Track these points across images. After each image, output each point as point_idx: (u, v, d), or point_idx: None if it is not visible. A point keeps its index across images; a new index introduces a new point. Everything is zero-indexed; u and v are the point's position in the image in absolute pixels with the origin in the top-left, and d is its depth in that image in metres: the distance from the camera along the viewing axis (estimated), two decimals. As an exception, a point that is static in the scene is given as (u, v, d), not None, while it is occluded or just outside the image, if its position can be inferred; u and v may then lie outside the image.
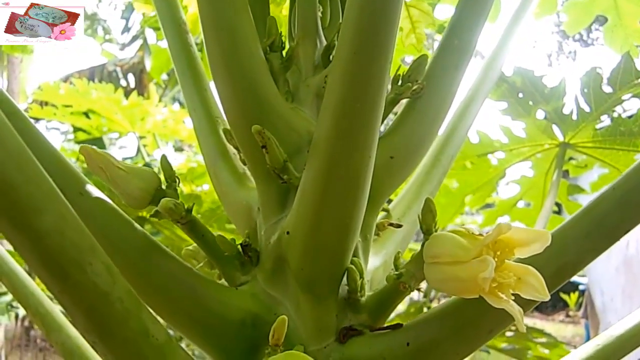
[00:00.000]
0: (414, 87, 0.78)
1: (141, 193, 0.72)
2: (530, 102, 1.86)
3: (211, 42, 0.73)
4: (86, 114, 3.55)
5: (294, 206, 0.67)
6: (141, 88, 6.76)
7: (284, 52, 0.78)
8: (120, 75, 7.30)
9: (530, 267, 0.56)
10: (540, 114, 1.85)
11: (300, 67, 0.81)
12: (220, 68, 0.72)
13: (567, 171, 2.09)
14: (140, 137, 3.65)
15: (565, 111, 1.77)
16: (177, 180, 0.75)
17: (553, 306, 14.16)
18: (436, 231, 0.61)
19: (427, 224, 0.62)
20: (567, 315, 13.66)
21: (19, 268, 1.06)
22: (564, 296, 12.71)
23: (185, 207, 0.71)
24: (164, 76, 4.97)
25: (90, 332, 0.48)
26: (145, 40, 5.83)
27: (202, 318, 0.69)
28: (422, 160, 0.84)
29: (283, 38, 0.78)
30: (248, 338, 0.68)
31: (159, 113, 3.53)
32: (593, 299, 6.91)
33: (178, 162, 3.65)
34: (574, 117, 1.74)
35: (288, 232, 0.68)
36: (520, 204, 2.18)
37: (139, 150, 3.59)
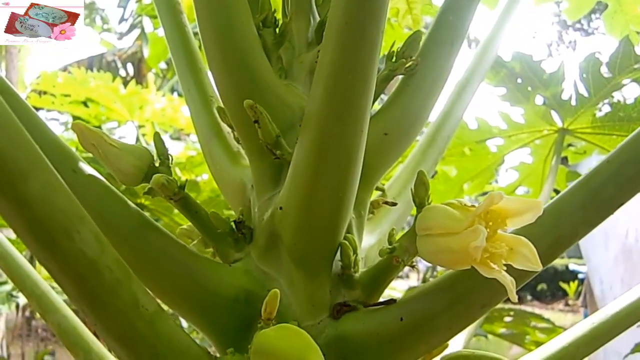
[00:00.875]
0: (408, 64, 0.78)
1: (134, 170, 0.72)
2: (529, 88, 1.86)
3: (203, 17, 0.72)
4: (85, 103, 3.55)
5: (286, 181, 0.67)
6: (140, 78, 6.74)
7: (277, 29, 0.78)
8: (120, 65, 7.29)
9: (522, 237, 0.55)
10: (539, 100, 1.85)
11: (294, 43, 0.80)
12: (212, 44, 0.72)
13: (566, 158, 2.09)
14: (139, 127, 3.65)
15: (564, 97, 1.76)
16: (170, 158, 0.74)
17: (552, 295, 14.20)
18: (429, 204, 0.61)
19: (420, 197, 0.61)
20: (567, 304, 13.70)
21: (15, 251, 1.06)
22: (564, 285, 12.74)
23: (178, 184, 0.71)
24: (163, 65, 4.95)
25: (80, 301, 0.48)
26: (142, 29, 5.80)
27: (195, 295, 0.69)
28: (416, 138, 0.83)
29: (276, 14, 0.78)
30: (241, 314, 0.67)
31: (157, 101, 3.53)
32: (592, 287, 6.92)
33: (177, 150, 3.65)
34: (573, 102, 1.74)
35: (281, 208, 0.68)
36: (520, 191, 2.18)
37: (137, 139, 3.59)
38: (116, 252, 0.50)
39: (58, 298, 1.00)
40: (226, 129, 0.87)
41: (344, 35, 0.56)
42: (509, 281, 0.52)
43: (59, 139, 0.71)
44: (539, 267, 0.55)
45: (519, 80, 1.86)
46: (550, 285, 13.87)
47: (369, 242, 0.81)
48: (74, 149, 0.76)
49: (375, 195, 0.88)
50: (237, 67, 0.72)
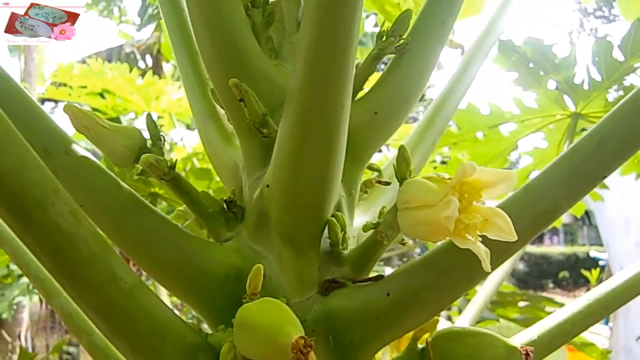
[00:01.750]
0: (398, 43, 0.78)
1: (125, 151, 0.73)
2: (541, 72, 1.84)
3: (191, -3, 0.73)
4: (101, 95, 3.57)
5: (272, 159, 0.67)
6: (158, 69, 6.77)
7: (266, 9, 0.78)
8: (138, 56, 7.34)
9: (497, 208, 0.55)
10: (551, 84, 1.83)
11: (284, 24, 0.80)
12: (201, 24, 0.72)
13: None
14: (157, 118, 3.67)
15: (577, 81, 1.74)
16: (163, 139, 0.75)
17: (574, 282, 14.10)
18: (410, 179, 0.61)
19: (402, 172, 0.62)
20: (588, 291, 13.57)
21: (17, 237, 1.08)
22: (585, 272, 12.64)
23: (169, 163, 0.72)
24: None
25: (57, 274, 0.49)
26: (160, 24, 5.82)
27: (187, 273, 0.70)
28: (408, 117, 0.83)
29: (265, -6, 0.78)
30: (232, 292, 0.68)
31: (174, 92, 3.54)
32: (612, 274, 6.84)
33: (194, 141, 3.66)
34: (586, 86, 1.72)
35: (268, 186, 0.69)
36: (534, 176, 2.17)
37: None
38: (95, 226, 0.50)
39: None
40: (221, 111, 0.88)
41: (322, 10, 0.56)
42: (482, 252, 0.53)
43: (53, 121, 0.72)
44: (513, 238, 0.55)
45: (531, 65, 1.84)
46: (572, 273, 13.78)
47: (363, 221, 0.81)
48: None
49: (370, 176, 0.88)
50: (225, 48, 0.72)
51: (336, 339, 0.68)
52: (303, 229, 0.69)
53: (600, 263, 11.05)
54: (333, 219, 0.69)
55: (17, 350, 5.75)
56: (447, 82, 1.06)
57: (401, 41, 0.78)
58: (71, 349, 8.90)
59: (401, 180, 0.61)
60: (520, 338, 0.78)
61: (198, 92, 0.90)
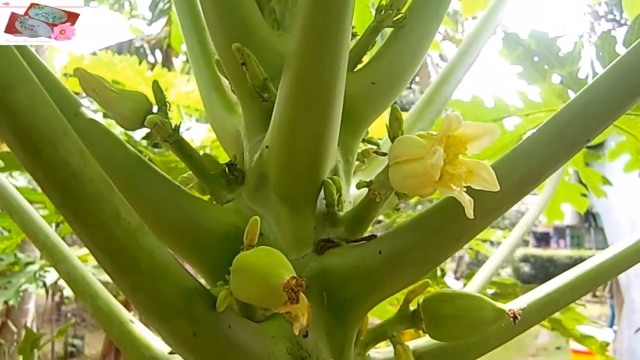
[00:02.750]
0: (396, 17, 0.80)
1: (132, 114, 0.76)
2: (546, 66, 1.85)
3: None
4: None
5: (271, 120, 0.70)
6: (167, 63, 6.81)
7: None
8: (148, 51, 7.39)
9: (482, 161, 0.58)
10: (555, 79, 1.84)
11: (286, -4, 0.83)
12: (206, -6, 0.75)
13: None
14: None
15: (581, 75, 1.75)
16: (168, 105, 0.78)
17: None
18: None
19: (394, 131, 0.65)
20: (594, 295, 13.59)
21: (28, 206, 1.11)
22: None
23: (173, 126, 0.75)
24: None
25: (65, 210, 0.52)
26: (170, 16, 5.86)
27: (188, 230, 0.73)
28: (404, 90, 0.86)
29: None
30: (231, 249, 0.70)
31: (182, 84, 3.58)
32: (618, 276, 6.85)
33: (202, 134, 3.69)
34: (590, 81, 1.73)
35: (267, 147, 0.72)
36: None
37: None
38: (99, 166, 0.53)
39: (67, 249, 1.06)
40: (225, 82, 0.91)
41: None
42: (466, 200, 0.55)
43: (62, 83, 0.75)
44: (496, 188, 0.57)
45: (536, 59, 1.85)
46: (579, 277, 13.80)
47: (360, 190, 0.84)
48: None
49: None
50: (229, 16, 0.75)
51: (330, 296, 0.71)
52: (300, 188, 0.72)
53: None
54: (329, 180, 0.72)
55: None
56: (447, 62, 1.08)
57: (399, 15, 0.81)
58: (76, 342, 8.95)
59: (393, 139, 0.64)
60: (511, 305, 0.80)
61: (203, 65, 0.93)
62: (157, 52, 7.44)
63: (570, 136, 0.63)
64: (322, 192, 0.73)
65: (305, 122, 0.66)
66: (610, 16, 14.88)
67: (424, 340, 0.81)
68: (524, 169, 0.64)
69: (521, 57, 1.86)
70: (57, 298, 8.56)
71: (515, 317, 0.71)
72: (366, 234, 0.74)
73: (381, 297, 0.73)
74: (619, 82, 0.62)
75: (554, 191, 2.08)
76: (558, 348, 10.28)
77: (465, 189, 0.57)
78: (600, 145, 2.27)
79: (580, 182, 2.18)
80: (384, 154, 0.87)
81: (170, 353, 0.84)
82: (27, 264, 4.40)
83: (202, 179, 0.79)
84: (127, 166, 0.74)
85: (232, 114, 0.87)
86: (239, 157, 0.80)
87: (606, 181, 2.18)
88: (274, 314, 0.72)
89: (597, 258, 0.88)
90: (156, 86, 0.78)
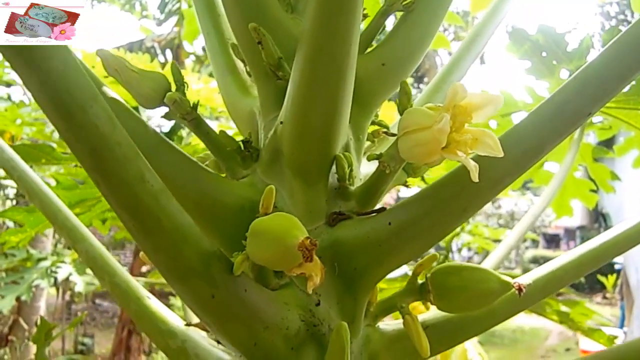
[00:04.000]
0: (406, 0, 0.83)
1: (152, 93, 0.79)
2: (554, 62, 1.86)
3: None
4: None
5: (286, 97, 0.74)
6: (178, 63, 6.84)
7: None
8: (159, 51, 7.46)
9: (486, 129, 0.61)
10: (564, 74, 1.86)
11: (300, -20, 0.86)
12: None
13: (607, 143, 2.09)
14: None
15: (589, 70, 1.76)
16: (186, 85, 0.82)
17: (590, 288, 14.03)
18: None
19: (403, 105, 0.68)
20: (604, 297, 13.56)
21: (47, 188, 1.15)
22: (602, 278, 12.58)
23: (191, 104, 0.78)
24: (200, 51, 5.07)
25: (93, 171, 0.55)
26: (181, 14, 5.91)
27: (204, 203, 0.76)
28: (412, 71, 0.89)
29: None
30: (246, 222, 0.73)
31: (193, 82, 3.62)
32: (628, 277, 6.84)
33: (214, 128, 3.72)
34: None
35: (282, 122, 0.75)
36: (547, 167, 2.20)
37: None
38: (125, 132, 0.57)
39: (85, 229, 1.09)
40: (239, 66, 0.94)
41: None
42: (472, 165, 0.58)
43: (83, 63, 0.79)
44: (500, 154, 0.60)
45: (544, 54, 1.86)
46: (588, 278, 13.75)
47: (370, 169, 0.86)
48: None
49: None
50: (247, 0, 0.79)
51: (341, 266, 0.74)
52: (312, 162, 0.75)
53: (616, 267, 10.99)
54: (341, 155, 0.75)
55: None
56: (456, 51, 1.11)
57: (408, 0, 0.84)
58: (86, 340, 9.02)
59: (402, 111, 0.67)
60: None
61: (218, 50, 0.97)
62: (168, 52, 7.52)
63: (570, 111, 0.66)
64: (333, 167, 0.76)
65: (319, 97, 0.69)
66: (621, 16, 14.85)
67: (432, 314, 0.84)
68: (526, 143, 0.67)
69: (529, 52, 1.87)
70: (67, 297, 8.64)
71: (520, 290, 0.74)
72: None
73: (391, 267, 0.76)
74: (617, 58, 0.65)
75: (562, 186, 2.09)
76: (567, 349, 10.26)
77: (471, 155, 0.60)
78: (610, 141, 2.28)
79: (590, 178, 2.19)
80: (393, 135, 0.90)
81: (187, 325, 0.88)
82: (39, 259, 4.45)
83: (218, 155, 0.82)
84: (147, 142, 0.77)
85: (246, 96, 0.91)
86: (254, 136, 0.84)
87: (615, 176, 2.19)
88: (287, 283, 0.75)
89: (600, 238, 0.91)
90: (174, 67, 0.82)
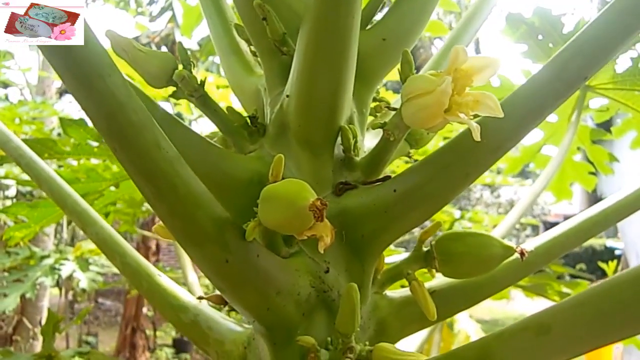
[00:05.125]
0: (405, -23, 0.86)
1: (160, 72, 0.82)
2: (550, 45, 1.87)
3: None
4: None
5: (291, 70, 0.76)
6: (174, 59, 6.88)
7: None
8: (154, 47, 7.47)
9: (487, 92, 0.63)
10: (560, 56, 1.86)
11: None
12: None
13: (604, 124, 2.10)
14: (175, 105, 3.76)
15: (585, 52, 1.76)
16: (192, 64, 0.84)
17: (591, 274, 14.06)
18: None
19: (405, 73, 0.70)
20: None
21: (55, 175, 1.17)
22: (602, 265, 12.60)
23: (198, 81, 0.80)
24: (196, 47, 5.06)
25: (111, 138, 0.57)
26: (174, 11, 5.92)
27: (214, 176, 0.78)
28: (412, 46, 0.91)
29: None
30: (255, 194, 0.75)
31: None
32: (628, 262, 6.86)
33: (210, 128, 3.75)
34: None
35: (288, 95, 0.77)
36: (545, 150, 2.21)
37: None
38: (140, 101, 0.59)
39: (95, 213, 1.12)
40: (243, 47, 0.97)
41: None
42: (473, 125, 0.61)
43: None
44: (501, 114, 0.63)
45: (540, 37, 1.87)
46: (589, 265, 13.77)
47: (373, 142, 0.89)
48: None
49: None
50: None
51: (349, 234, 0.76)
52: (318, 133, 0.77)
53: (617, 252, 11.01)
54: (346, 126, 0.77)
55: (38, 336, 5.88)
56: (460, 20, 1.13)
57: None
58: (90, 339, 9.04)
59: (405, 80, 0.69)
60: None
61: (221, 32, 0.99)
62: (163, 49, 7.51)
63: (569, 73, 0.68)
64: (339, 139, 0.79)
65: (324, 68, 0.72)
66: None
67: (436, 282, 0.86)
68: (527, 106, 0.69)
69: (525, 35, 1.87)
70: (70, 296, 8.66)
71: (522, 254, 0.76)
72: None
73: (397, 233, 0.78)
74: (612, 22, 0.67)
75: (561, 169, 2.10)
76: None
77: (472, 117, 0.63)
78: (607, 124, 2.28)
79: (588, 160, 2.20)
80: (394, 109, 0.92)
81: (199, 298, 0.90)
82: (43, 257, 4.46)
83: (226, 131, 0.84)
84: (158, 118, 0.79)
85: (250, 74, 0.93)
86: (260, 112, 0.86)
87: (613, 158, 2.20)
88: (296, 251, 0.77)
89: (600, 205, 0.93)
90: (181, 46, 0.84)
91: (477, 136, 0.61)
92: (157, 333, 9.44)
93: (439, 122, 0.64)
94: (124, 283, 7.46)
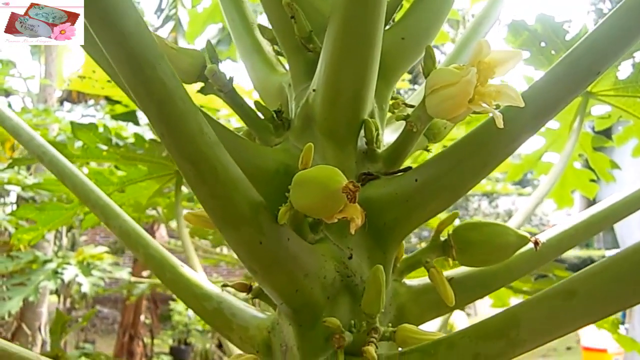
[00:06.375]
0: (423, -20, 0.90)
1: (190, 68, 0.86)
2: (553, 52, 1.89)
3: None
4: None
5: (318, 66, 0.80)
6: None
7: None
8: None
9: (508, 84, 0.67)
10: (562, 64, 1.89)
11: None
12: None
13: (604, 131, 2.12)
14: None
15: (587, 59, 1.79)
16: (220, 61, 0.88)
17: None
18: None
19: (429, 68, 0.74)
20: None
21: (77, 170, 1.21)
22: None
23: (227, 77, 0.85)
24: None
25: (159, 124, 0.61)
26: (178, 21, 5.97)
27: (243, 168, 0.82)
28: (431, 42, 0.95)
29: None
30: (281, 184, 0.79)
31: (192, 85, 3.67)
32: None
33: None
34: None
35: (314, 90, 0.81)
36: (546, 157, 2.24)
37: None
38: (185, 89, 0.63)
39: (117, 207, 1.15)
40: (266, 48, 1.01)
41: None
42: (497, 113, 0.65)
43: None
44: (521, 104, 0.67)
45: (543, 44, 1.89)
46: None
47: (392, 138, 0.93)
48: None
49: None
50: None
51: (371, 223, 0.80)
52: (343, 126, 0.81)
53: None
54: (369, 119, 0.81)
55: (37, 342, 5.88)
56: (474, 19, 1.17)
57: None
58: (87, 346, 9.03)
59: (428, 74, 0.73)
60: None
61: (244, 33, 1.03)
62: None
63: (581, 69, 0.72)
64: (362, 132, 0.83)
65: (350, 64, 0.76)
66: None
67: (453, 271, 0.90)
68: (542, 99, 0.73)
69: (527, 42, 1.89)
70: (68, 304, 8.66)
71: (536, 243, 0.80)
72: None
73: (417, 221, 0.82)
74: (624, 19, 0.71)
75: (562, 177, 2.12)
76: (568, 348, 10.30)
77: (495, 107, 0.67)
78: (608, 132, 2.31)
79: (589, 168, 2.22)
80: (412, 106, 0.97)
81: (224, 286, 0.93)
82: (45, 261, 4.49)
83: (252, 125, 0.88)
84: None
85: (273, 72, 0.97)
86: (284, 107, 0.90)
87: (615, 165, 2.22)
88: (321, 238, 0.81)
89: (608, 200, 0.97)
90: (209, 44, 0.88)
91: (500, 123, 0.65)
92: (155, 341, 9.43)
93: (462, 111, 0.68)
94: (121, 290, 7.47)
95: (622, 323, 8.29)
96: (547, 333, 0.58)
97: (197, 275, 1.00)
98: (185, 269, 1.01)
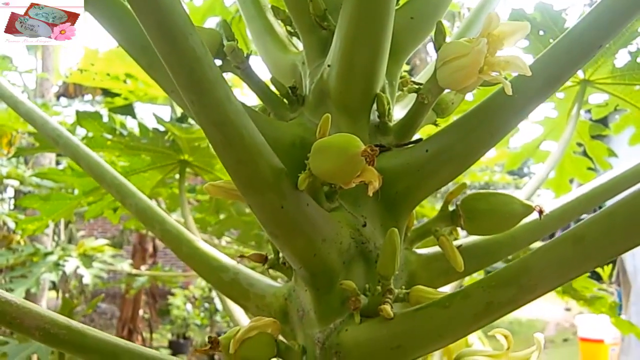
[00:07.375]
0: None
1: (208, 45, 0.89)
2: (551, 40, 1.92)
3: None
4: (125, 82, 3.72)
5: (333, 43, 0.84)
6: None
7: None
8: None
9: (515, 54, 0.71)
10: (562, 52, 1.91)
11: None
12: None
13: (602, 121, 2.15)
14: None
15: (586, 47, 1.81)
16: (236, 40, 0.91)
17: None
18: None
19: (439, 42, 0.78)
20: (600, 289, 13.72)
21: (92, 152, 1.25)
22: (597, 269, 12.72)
23: (245, 54, 0.88)
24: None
25: (190, 91, 0.64)
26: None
27: None
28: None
29: None
30: (297, 156, 0.82)
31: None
32: (624, 263, 6.96)
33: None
34: (594, 52, 1.80)
35: (329, 65, 0.85)
36: (544, 146, 2.27)
37: (171, 117, 3.76)
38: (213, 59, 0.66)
39: (132, 186, 1.19)
40: (277, 28, 1.05)
41: None
42: (506, 82, 0.69)
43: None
44: (529, 73, 0.71)
45: (541, 32, 1.92)
46: (583, 270, 13.92)
47: (401, 114, 0.96)
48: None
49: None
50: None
51: (383, 192, 0.83)
52: (356, 100, 0.85)
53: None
54: (381, 93, 0.85)
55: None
56: (472, 10, 1.21)
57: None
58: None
59: (439, 47, 0.77)
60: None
61: (256, 15, 1.07)
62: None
63: (585, 41, 0.76)
64: (374, 106, 0.87)
65: (364, 40, 0.80)
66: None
67: (461, 241, 0.94)
68: (547, 71, 0.77)
69: None
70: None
71: (541, 212, 0.84)
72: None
73: (428, 190, 0.86)
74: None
75: (560, 165, 2.15)
76: (565, 340, 10.36)
77: (504, 76, 0.71)
78: (605, 121, 2.33)
79: (586, 156, 2.25)
80: (420, 84, 1.00)
81: (241, 257, 0.97)
82: (46, 254, 4.51)
83: (268, 101, 0.92)
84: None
85: (286, 52, 1.01)
86: (298, 83, 0.94)
87: (612, 153, 2.25)
88: (337, 207, 0.85)
89: (609, 173, 1.00)
90: (224, 23, 0.92)
91: (509, 91, 0.69)
92: (154, 335, 9.46)
93: (472, 81, 0.72)
94: (120, 284, 7.49)
95: (619, 314, 8.35)
96: (557, 277, 0.62)
97: (212, 249, 1.04)
98: (201, 243, 1.05)
